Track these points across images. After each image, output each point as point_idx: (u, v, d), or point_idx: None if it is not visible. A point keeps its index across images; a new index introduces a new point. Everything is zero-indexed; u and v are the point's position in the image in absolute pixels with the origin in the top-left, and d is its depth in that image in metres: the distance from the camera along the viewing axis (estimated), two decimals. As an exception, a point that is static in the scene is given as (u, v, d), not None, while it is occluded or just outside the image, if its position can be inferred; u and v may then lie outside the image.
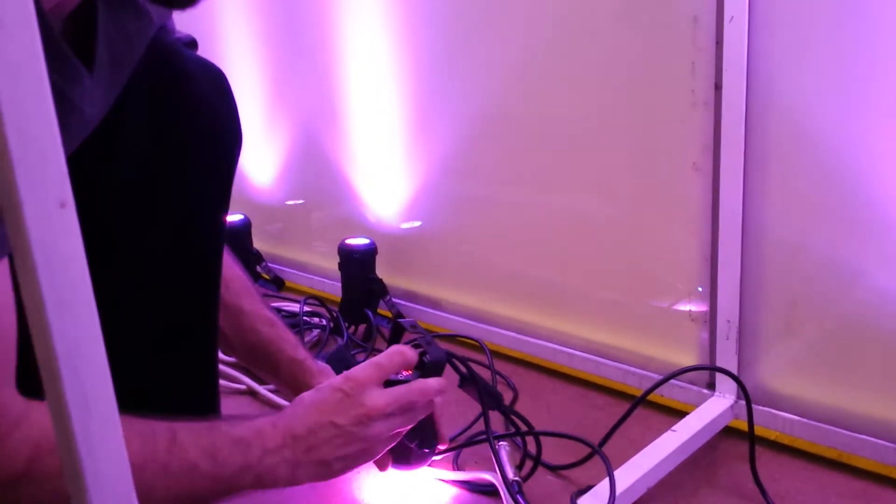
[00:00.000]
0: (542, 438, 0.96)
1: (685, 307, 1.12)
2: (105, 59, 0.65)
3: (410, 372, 0.82)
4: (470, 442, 0.97)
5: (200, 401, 0.86)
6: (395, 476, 0.88)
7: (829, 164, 0.94)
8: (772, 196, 0.99)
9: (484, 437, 0.91)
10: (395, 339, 0.92)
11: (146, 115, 0.74)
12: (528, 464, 0.94)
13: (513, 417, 0.97)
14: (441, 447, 0.88)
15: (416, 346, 0.84)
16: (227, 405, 1.20)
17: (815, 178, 0.96)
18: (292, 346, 0.92)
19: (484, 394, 0.88)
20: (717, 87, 1.00)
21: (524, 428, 0.97)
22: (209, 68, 0.80)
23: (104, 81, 0.66)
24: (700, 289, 1.10)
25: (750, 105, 0.98)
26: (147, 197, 0.76)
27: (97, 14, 0.63)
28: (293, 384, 0.93)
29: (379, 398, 0.74)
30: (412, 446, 0.83)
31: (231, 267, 0.91)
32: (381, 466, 0.86)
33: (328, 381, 0.78)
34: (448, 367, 0.85)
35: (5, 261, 0.53)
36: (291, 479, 0.70)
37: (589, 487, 0.89)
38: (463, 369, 0.88)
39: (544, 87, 1.22)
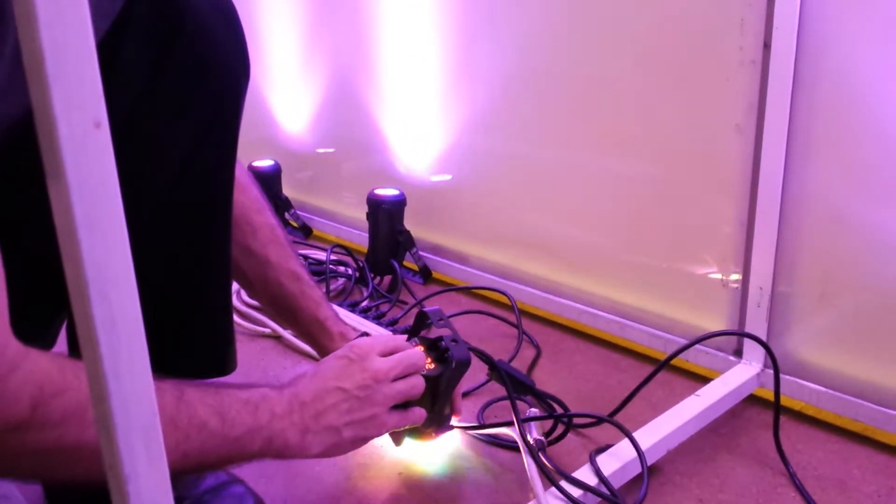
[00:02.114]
0: (565, 392, 0.97)
1: (717, 272, 1.10)
2: None
3: (435, 366, 0.82)
4: (497, 424, 0.96)
5: (209, 341, 0.85)
6: (410, 444, 0.89)
7: (878, 132, 0.91)
8: (815, 162, 0.96)
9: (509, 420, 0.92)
10: (417, 327, 0.89)
11: (144, 43, 0.70)
12: (548, 425, 0.94)
13: (546, 400, 1.00)
14: (455, 418, 0.89)
15: (439, 342, 0.83)
16: (251, 348, 1.21)
17: (861, 146, 0.92)
18: (315, 304, 0.91)
19: (510, 383, 0.89)
20: (767, 45, 0.96)
21: (556, 407, 1.00)
22: None
23: (92, 5, 0.62)
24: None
25: (799, 66, 0.94)
26: (145, 129, 0.72)
27: None
28: (312, 343, 0.93)
29: (382, 363, 0.76)
30: (427, 420, 0.83)
31: (262, 213, 0.90)
32: (396, 441, 0.86)
33: (333, 352, 0.78)
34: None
35: None
36: (302, 446, 0.69)
37: (608, 446, 0.89)
38: (487, 364, 0.90)
39: (583, 43, 1.19)
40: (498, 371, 0.90)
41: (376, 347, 0.77)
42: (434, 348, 0.84)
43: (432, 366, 0.82)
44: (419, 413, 0.80)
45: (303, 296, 0.91)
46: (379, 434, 0.76)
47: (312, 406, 0.70)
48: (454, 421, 0.89)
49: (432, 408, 0.82)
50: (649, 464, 0.88)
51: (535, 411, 0.98)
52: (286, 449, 0.68)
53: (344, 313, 1.24)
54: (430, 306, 0.91)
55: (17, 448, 0.50)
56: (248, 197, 0.89)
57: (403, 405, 0.78)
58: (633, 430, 0.90)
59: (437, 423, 0.84)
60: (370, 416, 0.74)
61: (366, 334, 0.90)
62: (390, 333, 0.95)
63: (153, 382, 0.59)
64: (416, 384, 0.78)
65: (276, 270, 0.90)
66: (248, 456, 0.66)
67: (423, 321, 0.89)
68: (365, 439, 0.75)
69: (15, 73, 0.53)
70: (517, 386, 0.93)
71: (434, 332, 0.86)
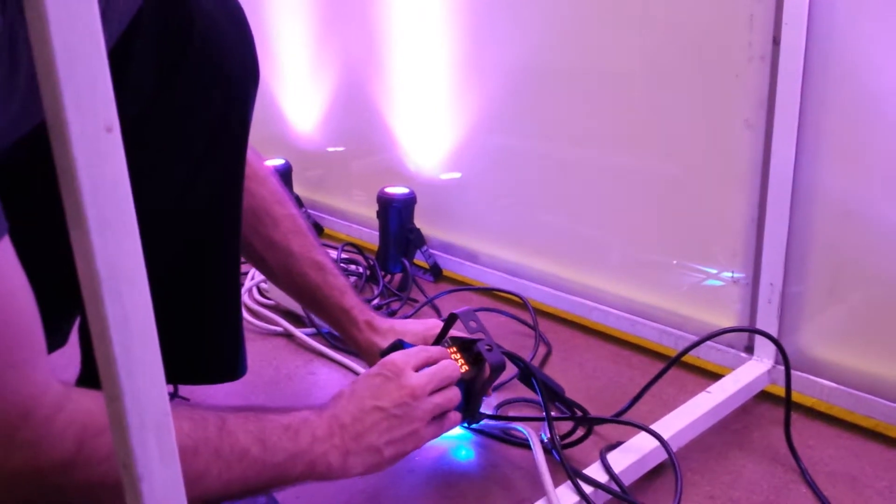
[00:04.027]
0: (576, 389, 0.96)
1: (727, 268, 1.10)
2: None
3: (468, 368, 0.82)
4: (523, 418, 0.97)
5: (219, 346, 0.86)
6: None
7: (889, 126, 0.90)
8: (825, 157, 0.96)
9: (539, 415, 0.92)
10: (447, 329, 0.88)
11: (154, 48, 0.70)
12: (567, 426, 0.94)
13: (573, 408, 0.97)
14: (485, 397, 0.89)
15: (473, 346, 0.82)
16: (263, 346, 1.22)
17: (872, 142, 0.92)
18: (339, 293, 0.91)
19: (544, 389, 0.87)
20: (776, 41, 0.96)
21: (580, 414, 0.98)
22: (225, 1, 0.75)
23: (103, 11, 0.62)
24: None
25: (808, 61, 0.94)
26: (153, 136, 0.72)
27: None
28: (340, 331, 0.93)
29: (418, 378, 0.75)
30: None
31: (283, 204, 0.90)
32: None
33: (366, 371, 0.77)
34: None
35: (7, 241, 0.48)
36: (343, 468, 0.69)
37: (619, 443, 0.89)
38: (521, 366, 0.88)
39: (593, 40, 1.19)
40: (530, 376, 0.88)
41: (411, 362, 0.77)
42: (466, 349, 0.83)
43: (465, 368, 0.82)
44: (455, 419, 0.80)
45: (326, 285, 0.91)
46: (417, 447, 0.75)
47: (352, 427, 0.70)
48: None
49: (467, 408, 0.82)
50: (660, 461, 0.88)
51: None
52: (329, 472, 0.68)
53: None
54: (461, 307, 0.89)
55: (64, 485, 0.51)
56: (267, 189, 0.88)
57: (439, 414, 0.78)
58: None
59: (469, 420, 0.86)
60: (409, 432, 0.73)
61: (397, 346, 0.85)
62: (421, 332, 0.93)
63: (196, 411, 0.60)
64: (453, 397, 0.78)
65: (300, 261, 0.90)
66: (292, 480, 0.66)
67: (452, 322, 0.88)
68: (404, 454, 0.74)
69: (29, 100, 0.53)
70: (547, 391, 0.93)
71: (467, 335, 0.85)
